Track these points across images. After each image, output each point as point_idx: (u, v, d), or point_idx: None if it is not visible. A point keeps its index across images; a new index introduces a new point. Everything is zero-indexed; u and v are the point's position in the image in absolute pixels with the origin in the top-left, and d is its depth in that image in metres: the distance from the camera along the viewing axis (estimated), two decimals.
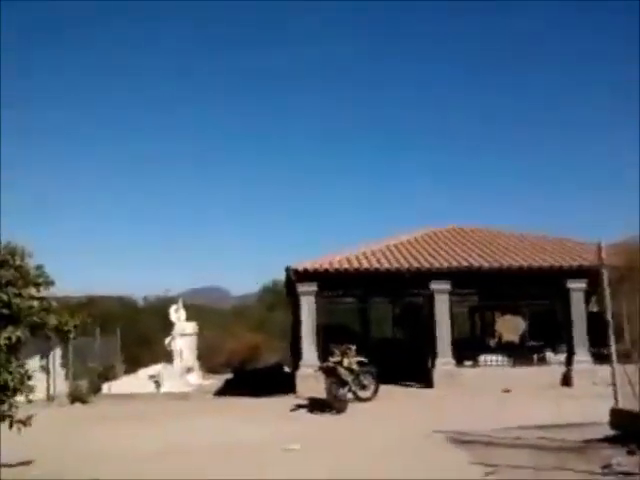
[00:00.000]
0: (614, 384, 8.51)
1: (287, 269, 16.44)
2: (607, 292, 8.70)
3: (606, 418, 10.84)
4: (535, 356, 17.60)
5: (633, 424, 7.89)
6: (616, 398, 8.44)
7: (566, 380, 16.36)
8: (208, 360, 30.89)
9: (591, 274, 16.59)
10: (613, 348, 8.64)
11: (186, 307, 25.42)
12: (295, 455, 8.82)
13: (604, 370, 17.03)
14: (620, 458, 6.91)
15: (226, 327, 36.37)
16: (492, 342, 19.71)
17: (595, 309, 19.04)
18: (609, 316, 8.75)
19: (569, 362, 16.53)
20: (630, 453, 7.21)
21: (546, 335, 18.70)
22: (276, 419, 12.47)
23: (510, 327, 16.96)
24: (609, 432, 8.53)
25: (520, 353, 17.42)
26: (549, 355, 17.53)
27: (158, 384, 18.72)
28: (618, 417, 8.26)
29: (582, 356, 16.42)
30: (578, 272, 16.37)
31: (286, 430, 11.01)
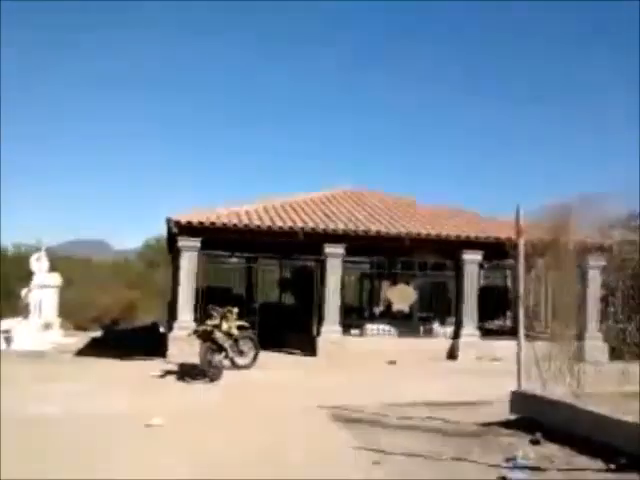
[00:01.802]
0: (519, 363, 7.72)
1: (168, 220, 14.72)
2: (522, 265, 7.85)
3: (497, 396, 10.32)
4: (422, 327, 17.08)
5: (537, 410, 7.13)
6: (519, 380, 7.66)
7: (452, 353, 15.94)
8: (77, 316, 28.54)
9: (488, 246, 16.25)
10: (521, 324, 7.86)
11: (60, 259, 23.05)
12: (155, 433, 7.42)
13: (489, 345, 16.86)
14: (527, 449, 6.07)
15: (101, 282, 33.87)
16: (381, 311, 19.11)
17: (484, 283, 18.88)
18: (521, 290, 7.92)
19: (457, 335, 16.11)
20: (534, 443, 6.41)
21: (436, 307, 18.30)
22: (140, 387, 10.94)
23: (401, 297, 16.26)
24: (508, 415, 7.78)
25: (408, 324, 16.83)
26: (436, 327, 17.06)
27: (9, 340, 16.51)
28: (520, 400, 7.49)
29: (470, 329, 16.05)
30: (474, 244, 15.89)
31: (150, 401, 9.56)
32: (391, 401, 9.81)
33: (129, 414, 8.42)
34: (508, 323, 19.84)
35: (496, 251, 16.85)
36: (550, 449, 6.19)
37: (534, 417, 7.11)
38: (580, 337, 17.26)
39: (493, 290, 17.72)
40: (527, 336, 18.14)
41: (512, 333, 18.03)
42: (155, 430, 7.52)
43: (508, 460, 5.97)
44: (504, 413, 8.06)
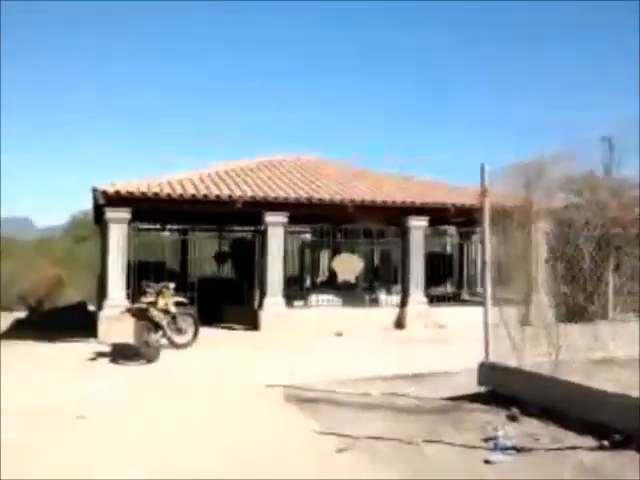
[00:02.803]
0: (486, 332, 7.18)
1: (94, 190, 13.48)
2: (487, 228, 7.28)
3: (456, 366, 9.87)
4: (367, 297, 16.58)
5: (508, 382, 6.62)
6: (487, 350, 7.13)
7: (400, 322, 15.50)
8: None
9: (433, 212, 15.81)
10: (488, 291, 7.29)
11: None
12: (83, 426, 6.50)
13: (435, 312, 16.59)
14: (507, 428, 5.53)
15: (24, 260, 31.82)
16: (324, 281, 18.49)
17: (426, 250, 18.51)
18: (487, 255, 7.37)
19: (404, 303, 15.66)
20: (511, 419, 5.89)
21: (381, 276, 17.83)
22: (69, 371, 9.89)
23: (347, 266, 15.63)
24: (475, 388, 7.27)
25: (353, 294, 16.26)
26: (382, 296, 16.59)
27: None
28: (489, 372, 6.97)
29: (417, 297, 15.63)
30: (420, 210, 15.40)
31: (77, 387, 8.59)
32: (344, 376, 9.19)
33: (54, 404, 7.46)
34: (449, 289, 19.65)
35: (439, 218, 16.50)
36: (531, 426, 5.67)
37: (505, 391, 6.60)
38: (527, 301, 17.31)
39: (436, 257, 17.34)
40: (473, 302, 18.01)
41: (455, 300, 17.99)
42: (82, 423, 6.60)
43: (487, 440, 5.42)
44: (469, 386, 7.55)
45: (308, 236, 19.52)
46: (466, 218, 17.01)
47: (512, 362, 6.79)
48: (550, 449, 5.08)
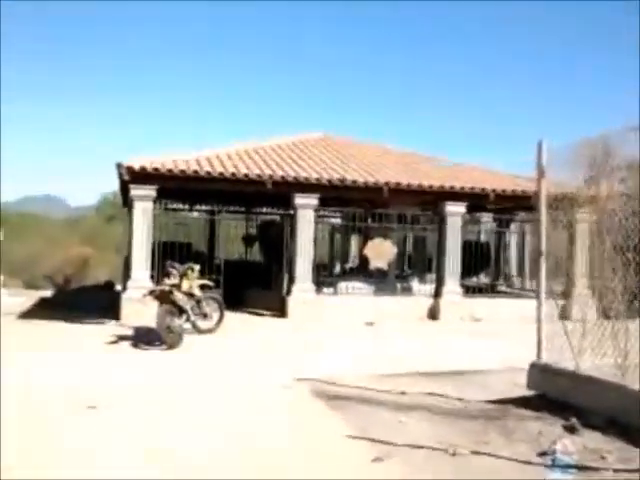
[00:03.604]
0: (539, 330, 6.47)
1: (119, 166, 12.99)
2: (544, 213, 6.55)
3: (498, 363, 9.18)
4: (399, 285, 15.89)
5: (564, 387, 5.91)
6: (539, 350, 6.42)
7: (433, 313, 14.80)
8: (26, 274, 26.65)
9: (471, 198, 15.01)
10: (543, 283, 6.54)
11: (11, 215, 21.01)
12: (89, 420, 5.97)
13: (470, 304, 15.83)
14: (565, 441, 4.84)
15: (54, 239, 31.80)
16: (354, 268, 17.84)
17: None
18: (543, 244, 6.64)
19: (438, 293, 14.94)
20: (569, 430, 5.19)
21: (414, 263, 17.11)
22: (86, 356, 9.45)
23: (379, 252, 14.92)
24: (523, 390, 6.59)
25: (385, 281, 15.58)
26: (415, 285, 15.88)
27: None
28: (541, 374, 6.26)
29: (452, 287, 14.88)
30: (458, 195, 14.62)
31: (93, 373, 8.11)
32: (377, 370, 8.59)
33: (64, 391, 6.97)
34: (484, 280, 18.85)
35: (475, 204, 15.69)
36: (594, 440, 4.97)
37: (560, 396, 5.90)
38: (567, 295, 16.41)
39: (471, 245, 16.53)
40: (510, 294, 17.18)
41: (491, 291, 17.18)
42: (89, 416, 6.08)
43: (543, 455, 4.75)
44: (514, 387, 6.89)
45: (336, 220, 18.87)
46: (504, 204, 16.20)
47: (567, 363, 6.07)
48: (618, 470, 4.39)
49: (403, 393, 7.18)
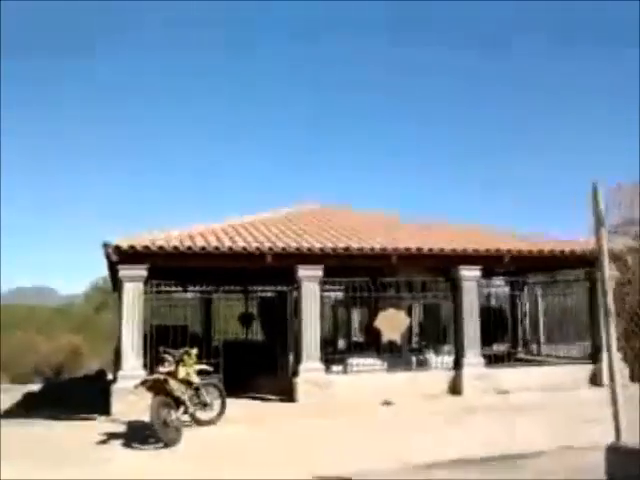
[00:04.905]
0: (615, 404, 5.33)
1: (105, 246, 12.01)
2: (606, 267, 5.56)
3: (542, 444, 7.99)
4: (414, 358, 14.68)
5: None
6: (617, 428, 5.27)
7: (454, 387, 13.55)
8: (14, 368, 25.20)
9: (488, 261, 14.06)
10: (614, 350, 5.44)
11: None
12: None
13: (495, 374, 14.57)
14: None
15: (42, 329, 30.43)
16: (363, 343, 16.63)
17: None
18: (609, 302, 5.62)
19: (458, 365, 13.73)
20: None
21: (427, 334, 15.96)
22: (72, 460, 8.15)
23: (392, 324, 13.78)
24: (597, 476, 5.39)
25: (398, 356, 14.38)
26: (431, 357, 14.68)
27: None
28: (625, 460, 5.10)
29: (473, 358, 13.69)
30: (471, 258, 13.67)
31: None
32: (413, 460, 7.37)
33: None
34: (502, 348, 17.64)
35: (488, 268, 14.75)
36: None
37: None
38: (595, 358, 15.22)
39: (487, 311, 15.46)
40: (533, 362, 15.94)
41: (510, 359, 15.98)
42: None
43: None
44: (579, 472, 5.72)
45: (338, 294, 17.79)
46: (518, 266, 15.26)
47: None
48: None
49: None
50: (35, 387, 21.39)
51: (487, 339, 15.05)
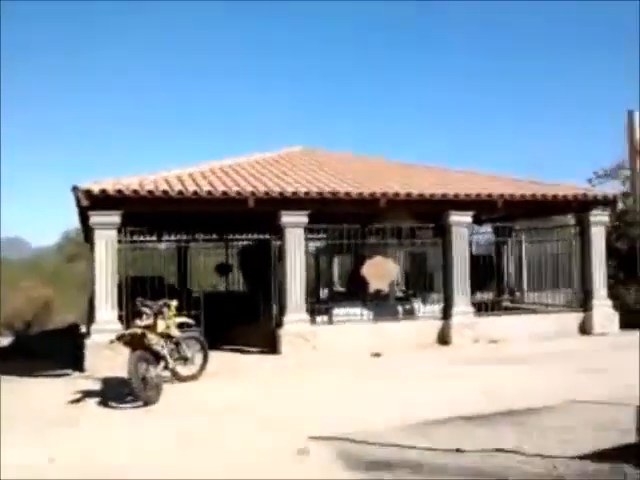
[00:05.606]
0: None
1: (75, 189, 11.12)
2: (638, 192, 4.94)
3: (547, 397, 7.55)
4: (400, 308, 14.19)
5: None
6: None
7: (444, 337, 13.14)
8: None
9: (481, 206, 13.49)
10: None
11: None
12: None
13: (485, 323, 14.18)
14: None
15: (12, 282, 29.39)
16: (349, 292, 16.08)
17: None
18: None
19: (447, 314, 13.29)
20: None
21: (414, 282, 15.43)
22: (43, 423, 7.49)
23: (380, 273, 13.22)
24: (617, 436, 4.93)
25: (384, 305, 13.88)
26: (418, 306, 14.20)
27: None
28: None
29: (462, 307, 13.25)
30: (462, 203, 13.08)
31: (49, 448, 6.20)
32: (410, 418, 6.85)
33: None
34: (487, 297, 17.25)
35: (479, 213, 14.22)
36: None
37: None
38: (586, 306, 14.91)
39: (477, 259, 14.96)
40: (520, 310, 15.58)
41: (496, 308, 15.63)
42: None
43: None
44: (600, 430, 5.26)
45: (317, 243, 17.12)
46: (511, 211, 14.73)
47: None
48: None
49: (459, 451, 5.47)
50: (5, 341, 20.65)
51: (474, 288, 14.62)
